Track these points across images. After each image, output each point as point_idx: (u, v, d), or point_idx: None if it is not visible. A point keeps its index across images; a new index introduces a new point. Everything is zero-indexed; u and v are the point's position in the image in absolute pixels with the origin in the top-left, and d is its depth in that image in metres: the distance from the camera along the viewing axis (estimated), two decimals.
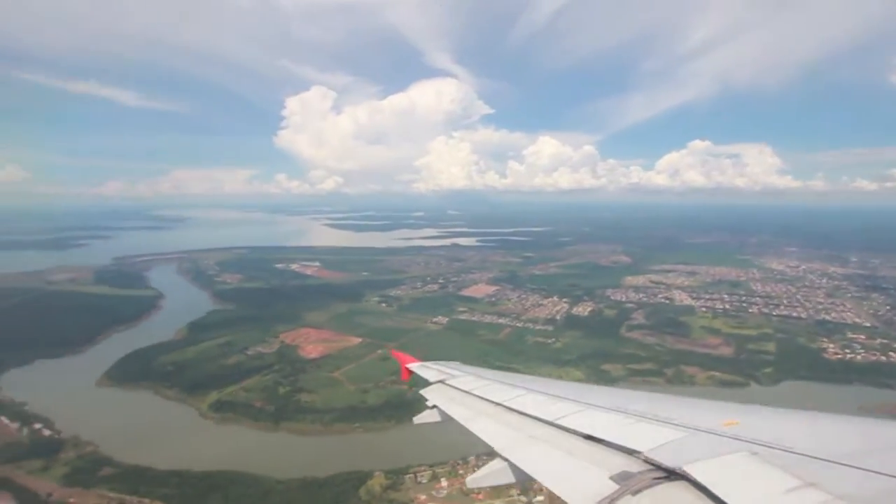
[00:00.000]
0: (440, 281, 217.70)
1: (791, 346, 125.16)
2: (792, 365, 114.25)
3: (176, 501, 64.51)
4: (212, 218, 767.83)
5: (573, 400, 7.84)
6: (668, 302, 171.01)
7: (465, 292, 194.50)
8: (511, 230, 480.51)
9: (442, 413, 9.46)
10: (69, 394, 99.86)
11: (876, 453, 4.28)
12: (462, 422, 8.33)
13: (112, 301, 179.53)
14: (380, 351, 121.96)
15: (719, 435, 5.23)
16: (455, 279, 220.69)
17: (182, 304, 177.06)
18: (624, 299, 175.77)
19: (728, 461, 4.51)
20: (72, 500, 64.40)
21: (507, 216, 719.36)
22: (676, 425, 5.79)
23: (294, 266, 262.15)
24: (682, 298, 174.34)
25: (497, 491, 65.57)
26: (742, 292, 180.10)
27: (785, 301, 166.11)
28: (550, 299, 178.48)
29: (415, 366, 13.33)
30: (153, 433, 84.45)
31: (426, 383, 11.32)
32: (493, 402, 8.80)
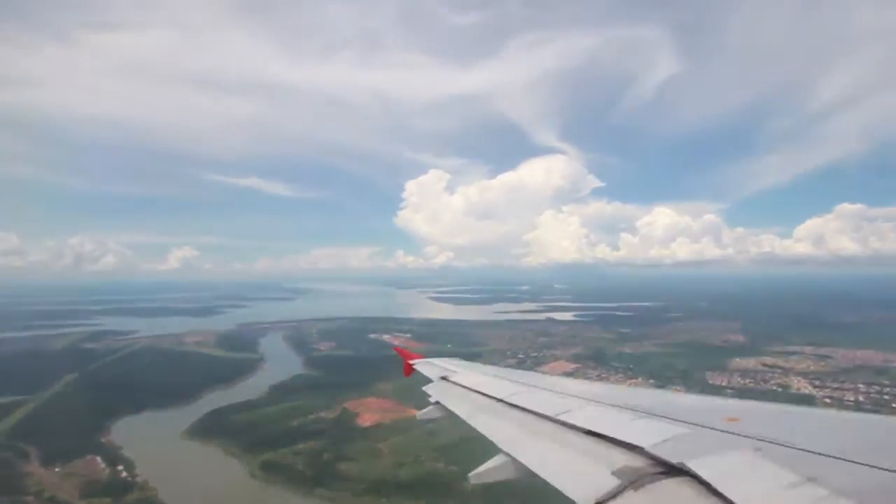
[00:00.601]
0: (520, 356, 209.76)
1: None
2: None
3: None
4: (330, 290, 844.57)
5: (575, 396, 7.83)
6: (779, 390, 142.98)
7: (542, 368, 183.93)
8: (616, 304, 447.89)
9: (444, 409, 9.44)
10: (157, 443, 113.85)
11: (877, 449, 4.24)
12: (464, 417, 8.30)
13: (222, 362, 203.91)
14: (431, 426, 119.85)
15: (721, 431, 5.23)
16: (535, 354, 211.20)
17: (277, 367, 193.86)
18: (724, 384, 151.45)
19: (730, 457, 4.47)
20: None
21: (615, 289, 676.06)
22: (678, 421, 5.75)
23: (385, 336, 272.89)
24: (801, 386, 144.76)
25: None
26: (886, 381, 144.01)
27: None
28: (634, 381, 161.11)
29: (417, 362, 13.35)
30: (204, 485, 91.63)
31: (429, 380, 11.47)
32: (494, 397, 8.74)
